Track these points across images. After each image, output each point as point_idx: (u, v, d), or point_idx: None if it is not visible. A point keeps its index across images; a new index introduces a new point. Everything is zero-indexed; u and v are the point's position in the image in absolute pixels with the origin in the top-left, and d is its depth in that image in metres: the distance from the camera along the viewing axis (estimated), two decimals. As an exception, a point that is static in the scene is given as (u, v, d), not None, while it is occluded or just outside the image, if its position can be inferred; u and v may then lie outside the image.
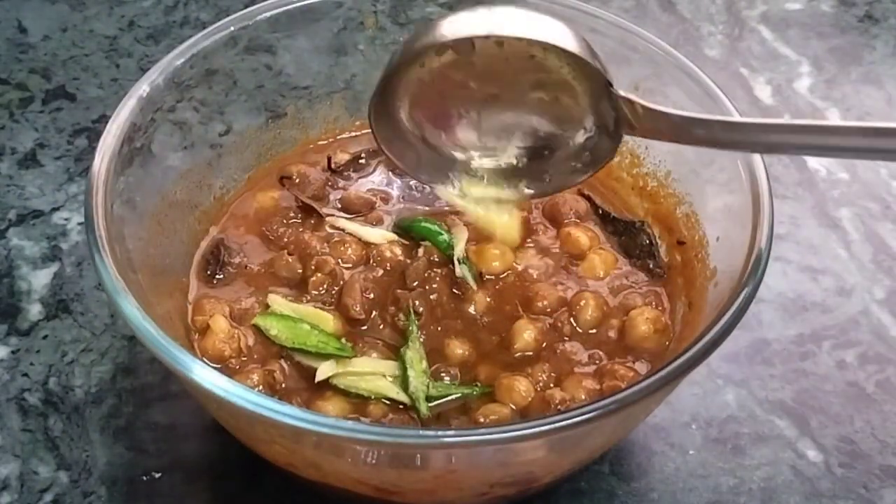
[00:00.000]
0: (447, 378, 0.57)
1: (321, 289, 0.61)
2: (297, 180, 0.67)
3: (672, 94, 0.63)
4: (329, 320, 0.58)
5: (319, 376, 0.56)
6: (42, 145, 0.78)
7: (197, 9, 0.90)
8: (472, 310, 0.61)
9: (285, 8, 0.65)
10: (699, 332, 0.50)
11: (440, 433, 0.51)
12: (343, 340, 0.58)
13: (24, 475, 0.60)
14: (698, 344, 0.49)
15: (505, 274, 0.62)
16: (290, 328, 0.58)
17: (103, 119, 0.78)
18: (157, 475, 0.60)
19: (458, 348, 0.58)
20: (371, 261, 0.63)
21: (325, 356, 0.57)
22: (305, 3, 0.66)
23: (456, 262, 0.61)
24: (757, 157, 0.57)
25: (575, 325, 0.60)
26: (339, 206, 0.66)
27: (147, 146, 0.60)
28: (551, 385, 0.57)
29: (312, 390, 0.57)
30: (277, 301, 0.60)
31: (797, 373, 0.66)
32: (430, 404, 0.56)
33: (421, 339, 0.58)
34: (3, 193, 0.75)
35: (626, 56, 0.65)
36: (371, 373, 0.56)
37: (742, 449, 0.62)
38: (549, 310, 0.61)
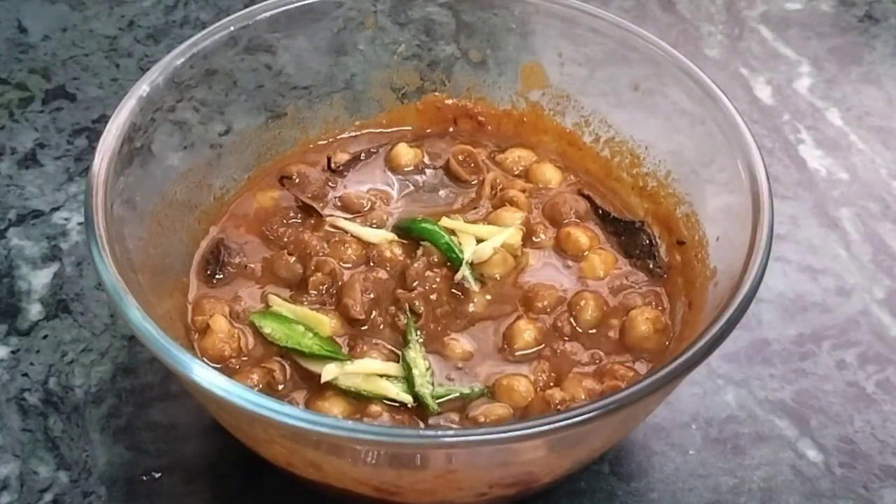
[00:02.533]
0: (447, 378, 0.58)
1: (321, 289, 0.61)
2: (297, 180, 0.67)
3: (672, 94, 0.63)
4: (326, 323, 0.58)
5: (325, 376, 0.56)
6: (42, 145, 0.78)
7: (197, 9, 0.90)
8: (471, 310, 0.61)
9: (285, 8, 0.65)
10: (699, 332, 0.50)
11: (440, 433, 0.51)
12: (340, 342, 0.58)
13: (24, 475, 0.60)
14: (698, 344, 0.49)
15: (505, 275, 0.62)
16: (284, 328, 0.58)
17: (103, 119, 0.78)
18: (157, 475, 0.60)
19: (458, 348, 0.58)
20: (371, 261, 0.63)
21: (318, 358, 0.57)
22: (305, 2, 0.66)
23: (464, 266, 0.61)
24: (757, 157, 0.57)
25: (575, 325, 0.60)
26: (339, 205, 0.66)
27: (147, 146, 0.60)
28: (551, 385, 0.57)
29: (313, 390, 0.57)
30: (276, 301, 0.60)
31: (797, 373, 0.66)
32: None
33: (420, 340, 0.58)
34: (2, 193, 0.75)
35: (625, 56, 0.65)
36: (374, 373, 0.56)
37: (742, 449, 0.62)
38: (549, 310, 0.61)
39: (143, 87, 0.59)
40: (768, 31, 0.91)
